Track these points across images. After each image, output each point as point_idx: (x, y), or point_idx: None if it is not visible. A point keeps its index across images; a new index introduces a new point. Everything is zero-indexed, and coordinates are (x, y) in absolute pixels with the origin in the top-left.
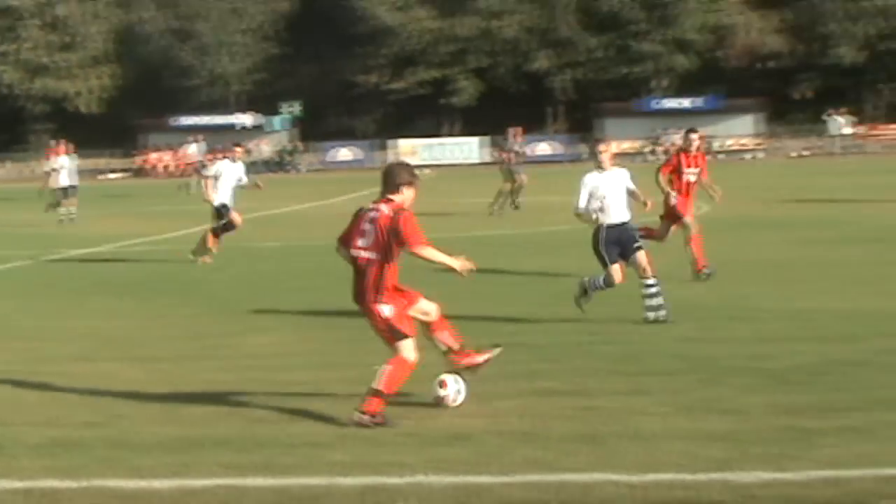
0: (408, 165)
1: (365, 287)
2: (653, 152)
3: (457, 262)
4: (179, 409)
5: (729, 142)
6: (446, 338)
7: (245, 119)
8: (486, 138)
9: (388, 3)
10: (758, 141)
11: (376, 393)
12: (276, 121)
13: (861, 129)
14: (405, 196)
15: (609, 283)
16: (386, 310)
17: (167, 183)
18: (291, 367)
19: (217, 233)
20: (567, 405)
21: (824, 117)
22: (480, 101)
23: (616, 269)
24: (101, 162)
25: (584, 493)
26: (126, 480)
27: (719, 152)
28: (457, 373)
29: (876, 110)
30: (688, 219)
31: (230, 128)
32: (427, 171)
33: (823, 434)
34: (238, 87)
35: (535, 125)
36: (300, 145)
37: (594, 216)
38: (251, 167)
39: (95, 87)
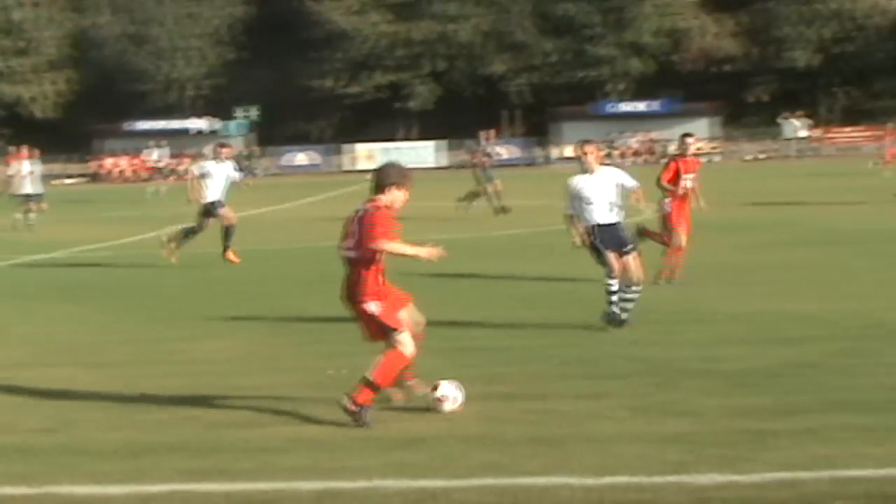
0: (397, 166)
1: (351, 285)
2: (608, 156)
3: (423, 251)
4: (134, 415)
5: None
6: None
7: (201, 124)
8: (443, 142)
9: (343, 7)
10: (713, 144)
11: (369, 383)
12: (233, 125)
13: (816, 132)
14: (393, 197)
15: (610, 275)
16: (372, 306)
17: (124, 188)
18: (247, 371)
19: (188, 234)
20: (524, 409)
21: (779, 120)
22: (437, 105)
23: (611, 257)
24: (57, 167)
25: (540, 497)
26: (81, 486)
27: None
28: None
29: (831, 113)
30: (678, 235)
31: (186, 133)
32: None
33: (778, 436)
34: (194, 92)
35: (491, 129)
36: (257, 150)
37: (585, 221)
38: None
39: (50, 92)
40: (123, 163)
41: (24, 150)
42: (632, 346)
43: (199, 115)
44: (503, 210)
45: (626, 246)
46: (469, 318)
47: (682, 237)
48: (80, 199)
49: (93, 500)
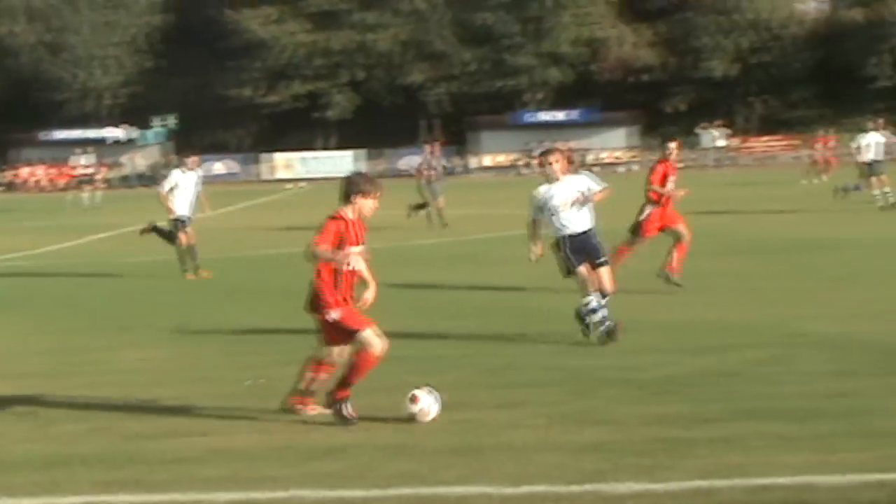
0: (364, 175)
1: (313, 296)
2: (527, 165)
3: (342, 254)
4: (49, 426)
5: (603, 154)
6: (309, 376)
7: (118, 133)
8: (362, 151)
9: (262, 16)
10: (632, 154)
11: (342, 383)
12: (150, 134)
13: (734, 142)
14: (359, 205)
15: (584, 289)
16: (333, 314)
17: (40, 198)
18: (163, 382)
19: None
20: (443, 418)
21: (698, 130)
22: (355, 114)
23: (582, 271)
24: None
25: None
26: None
27: (594, 165)
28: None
29: (748, 123)
30: (640, 243)
31: (102, 142)
32: (302, 184)
33: (695, 444)
34: (111, 101)
35: (409, 138)
36: (174, 159)
37: (553, 230)
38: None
39: None
40: (40, 172)
41: None
42: (549, 355)
43: (117, 124)
44: (444, 226)
45: (599, 256)
46: (389, 328)
47: (641, 245)
48: None
49: None
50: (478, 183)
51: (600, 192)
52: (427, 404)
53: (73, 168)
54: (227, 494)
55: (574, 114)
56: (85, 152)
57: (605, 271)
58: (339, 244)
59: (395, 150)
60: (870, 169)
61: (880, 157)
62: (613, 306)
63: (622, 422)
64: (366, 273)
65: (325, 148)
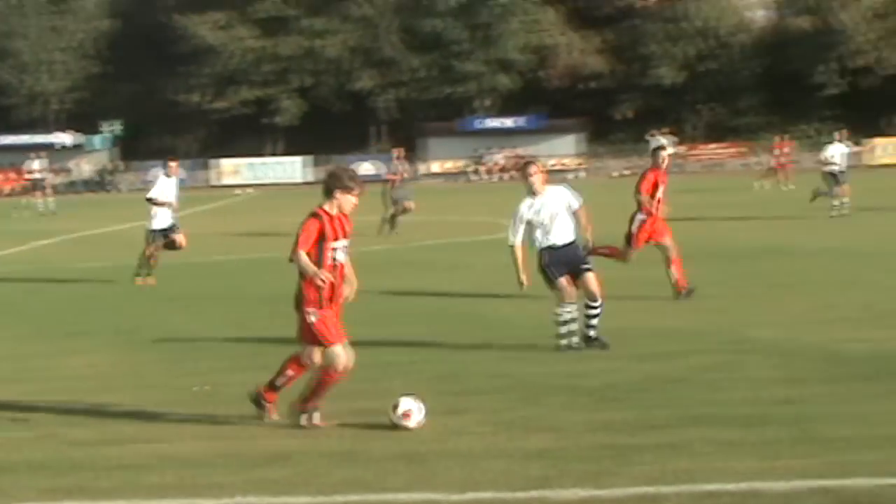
0: (347, 171)
1: (297, 293)
2: (476, 172)
3: (313, 271)
4: None
5: (551, 161)
6: (286, 377)
7: (65, 138)
8: (310, 157)
9: (210, 22)
10: (579, 161)
11: (304, 398)
12: (97, 140)
13: (681, 149)
14: (340, 201)
15: (562, 302)
16: (312, 316)
17: None
18: (111, 388)
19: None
20: (386, 425)
21: (647, 137)
22: (303, 120)
23: (563, 283)
24: None
25: None
26: None
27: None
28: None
29: (695, 130)
30: (631, 253)
31: (49, 147)
32: (249, 189)
33: (641, 451)
34: (58, 106)
35: (358, 144)
36: (121, 165)
37: (537, 244)
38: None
39: None
40: None
41: None
42: (494, 362)
43: (64, 130)
44: (392, 228)
45: (582, 265)
46: None
47: (630, 256)
48: None
49: None
50: (427, 189)
51: (581, 210)
52: (416, 421)
53: (31, 172)
54: (172, 501)
55: (522, 120)
56: (38, 157)
57: (590, 277)
58: (321, 241)
59: (343, 156)
60: (834, 179)
61: (844, 168)
62: (548, 312)
63: (568, 428)
64: (348, 269)
65: (274, 154)
